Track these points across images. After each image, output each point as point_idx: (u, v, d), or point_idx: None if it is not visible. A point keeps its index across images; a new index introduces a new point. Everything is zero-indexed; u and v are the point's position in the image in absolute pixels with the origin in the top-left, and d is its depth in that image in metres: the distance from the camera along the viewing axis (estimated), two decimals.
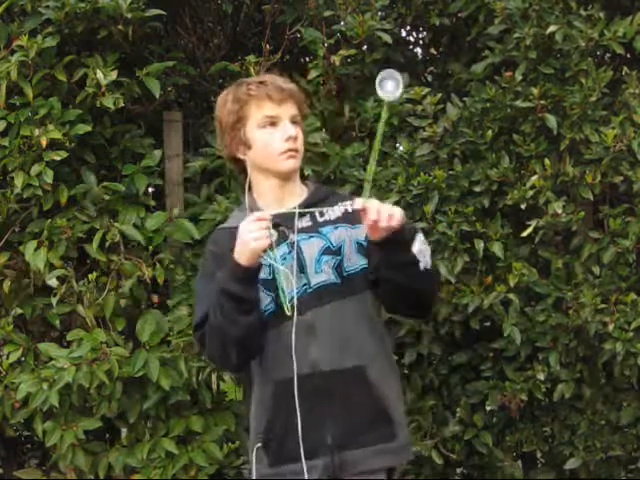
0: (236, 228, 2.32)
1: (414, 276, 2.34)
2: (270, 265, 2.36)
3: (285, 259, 2.37)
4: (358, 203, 2.25)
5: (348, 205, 2.29)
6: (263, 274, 2.35)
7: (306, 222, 2.43)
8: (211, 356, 2.49)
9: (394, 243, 2.29)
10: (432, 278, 2.45)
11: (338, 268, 2.40)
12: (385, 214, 2.23)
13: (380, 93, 2.28)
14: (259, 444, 2.40)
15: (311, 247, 2.40)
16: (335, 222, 2.44)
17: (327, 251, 2.40)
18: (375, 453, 2.39)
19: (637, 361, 3.35)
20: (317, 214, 2.43)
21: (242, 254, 2.25)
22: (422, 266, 2.34)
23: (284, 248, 2.39)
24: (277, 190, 2.45)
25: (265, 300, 2.36)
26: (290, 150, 2.39)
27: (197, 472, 3.38)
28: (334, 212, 2.44)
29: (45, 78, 3.43)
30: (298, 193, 2.47)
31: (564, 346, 3.42)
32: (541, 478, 3.68)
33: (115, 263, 3.43)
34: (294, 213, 2.39)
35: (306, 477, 2.33)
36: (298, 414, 2.31)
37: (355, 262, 2.41)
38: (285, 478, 2.39)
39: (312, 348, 2.35)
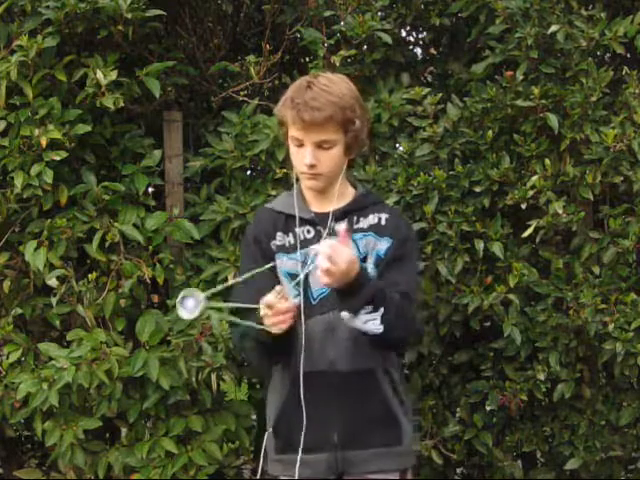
0: (273, 211, 2.51)
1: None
2: (303, 261, 2.45)
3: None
4: (315, 248, 2.29)
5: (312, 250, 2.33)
6: (292, 269, 2.45)
7: (343, 226, 2.47)
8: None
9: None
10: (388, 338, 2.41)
11: None
12: (320, 269, 2.26)
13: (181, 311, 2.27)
14: (270, 430, 2.50)
15: None
16: (366, 230, 2.50)
17: None
18: (379, 455, 2.46)
19: (637, 361, 3.35)
20: (354, 219, 2.50)
21: None
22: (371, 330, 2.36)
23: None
24: (315, 194, 2.52)
25: (292, 294, 2.42)
26: (308, 173, 2.44)
27: (197, 472, 3.37)
28: (368, 220, 2.52)
29: (45, 78, 3.42)
30: (340, 197, 2.52)
31: (564, 346, 3.42)
32: (541, 478, 3.68)
33: (115, 263, 3.43)
34: (331, 214, 2.47)
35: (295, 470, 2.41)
36: (304, 408, 2.39)
37: (371, 272, 2.47)
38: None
39: (330, 347, 2.42)
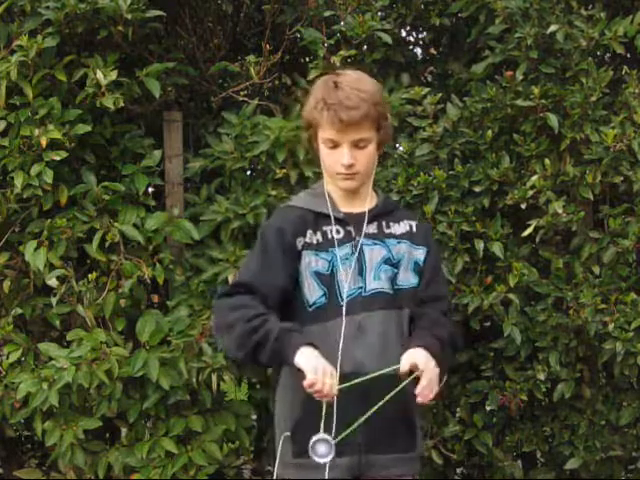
0: (299, 208, 2.48)
1: None
2: (330, 260, 2.44)
3: (347, 259, 2.44)
4: (405, 366, 2.35)
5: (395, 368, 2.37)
6: (321, 268, 2.44)
7: (373, 229, 2.50)
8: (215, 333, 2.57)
9: None
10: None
11: (392, 280, 2.48)
12: (427, 392, 2.34)
13: (313, 456, 2.28)
14: (288, 433, 2.45)
15: (373, 254, 2.48)
16: (400, 237, 2.52)
17: (387, 261, 2.49)
18: (398, 460, 2.47)
19: (637, 361, 3.35)
20: (383, 223, 2.51)
21: (301, 360, 2.30)
22: None
23: (347, 249, 2.46)
24: (345, 195, 2.51)
25: (317, 293, 2.43)
26: (345, 174, 2.44)
27: (197, 472, 3.37)
28: (399, 227, 2.53)
29: (45, 78, 3.43)
30: (368, 199, 2.53)
31: (564, 346, 3.42)
32: (541, 478, 3.68)
33: (115, 263, 3.43)
34: (364, 215, 2.48)
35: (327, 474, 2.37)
36: (334, 412, 2.33)
37: (408, 279, 2.51)
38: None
39: (357, 350, 2.41)
